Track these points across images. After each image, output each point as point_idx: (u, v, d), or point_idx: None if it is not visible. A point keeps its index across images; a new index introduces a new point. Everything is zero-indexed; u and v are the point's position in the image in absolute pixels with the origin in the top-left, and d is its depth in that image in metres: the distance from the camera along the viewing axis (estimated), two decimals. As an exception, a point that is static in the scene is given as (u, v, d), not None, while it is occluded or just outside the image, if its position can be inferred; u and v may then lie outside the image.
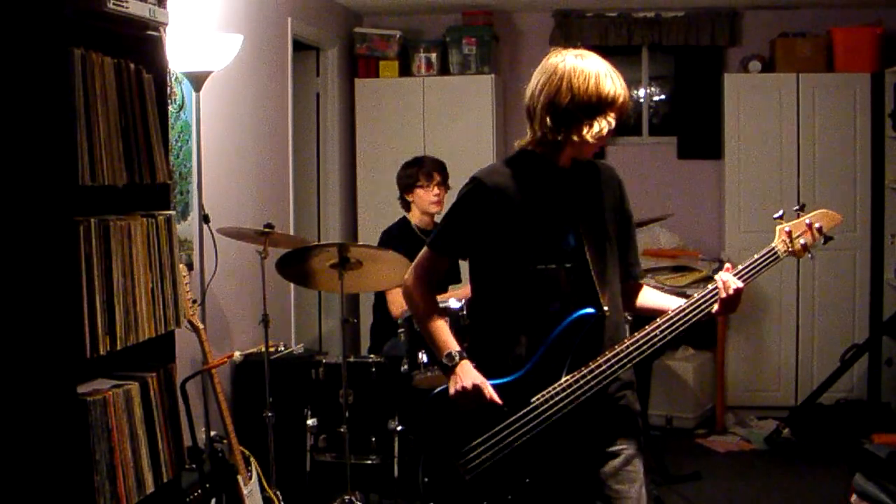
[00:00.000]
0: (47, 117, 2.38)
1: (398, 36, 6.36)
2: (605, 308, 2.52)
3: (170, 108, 3.72)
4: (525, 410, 2.49)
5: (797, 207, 2.57)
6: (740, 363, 6.21)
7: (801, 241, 2.51)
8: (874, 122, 6.07)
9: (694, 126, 6.51)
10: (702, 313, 2.48)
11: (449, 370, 2.53)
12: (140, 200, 2.77)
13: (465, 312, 3.99)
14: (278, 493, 3.94)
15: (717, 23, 6.42)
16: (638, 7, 6.42)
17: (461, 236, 2.60)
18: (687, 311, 2.48)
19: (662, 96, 6.85)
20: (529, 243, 2.52)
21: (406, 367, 4.03)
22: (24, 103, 2.39)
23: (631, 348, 2.46)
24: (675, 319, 2.48)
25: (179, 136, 4.04)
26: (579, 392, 2.46)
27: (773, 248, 2.52)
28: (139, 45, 2.75)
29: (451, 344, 2.58)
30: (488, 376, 2.53)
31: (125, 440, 2.58)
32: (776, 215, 2.56)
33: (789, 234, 2.51)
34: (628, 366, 2.47)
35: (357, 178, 6.38)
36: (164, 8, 2.74)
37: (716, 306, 2.48)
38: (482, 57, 6.30)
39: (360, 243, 5.79)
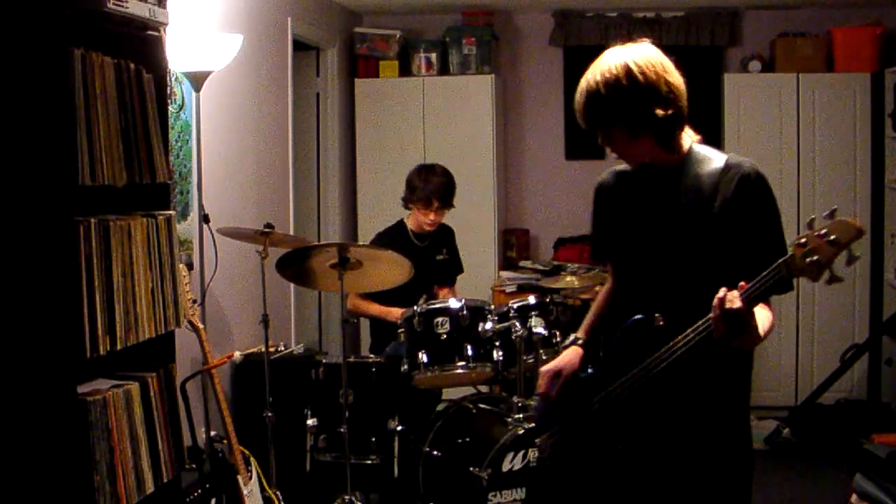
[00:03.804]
0: (47, 117, 2.38)
1: (398, 36, 6.36)
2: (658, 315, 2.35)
3: (170, 108, 3.71)
4: (589, 410, 2.49)
5: (826, 214, 1.99)
6: (740, 363, 6.20)
7: (815, 257, 1.96)
8: (874, 122, 6.07)
9: (694, 126, 6.46)
10: (699, 337, 2.18)
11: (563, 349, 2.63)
12: (140, 200, 2.77)
13: (465, 313, 4.00)
14: (278, 493, 3.94)
15: (717, 23, 6.42)
16: (638, 7, 6.42)
17: (596, 240, 2.69)
18: (689, 334, 2.20)
19: (662, 96, 6.85)
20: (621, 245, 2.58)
21: (406, 367, 4.03)
22: (25, 103, 2.39)
23: (647, 364, 2.32)
24: (676, 344, 2.24)
25: (179, 136, 4.04)
26: (618, 399, 2.39)
27: (778, 264, 2.03)
28: (139, 45, 2.75)
29: (581, 330, 2.65)
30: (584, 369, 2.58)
31: (125, 440, 2.58)
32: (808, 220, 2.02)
33: (803, 246, 1.98)
34: (646, 382, 2.31)
35: (357, 178, 6.38)
36: (164, 8, 2.74)
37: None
38: (482, 57, 6.30)
39: (360, 243, 5.79)
